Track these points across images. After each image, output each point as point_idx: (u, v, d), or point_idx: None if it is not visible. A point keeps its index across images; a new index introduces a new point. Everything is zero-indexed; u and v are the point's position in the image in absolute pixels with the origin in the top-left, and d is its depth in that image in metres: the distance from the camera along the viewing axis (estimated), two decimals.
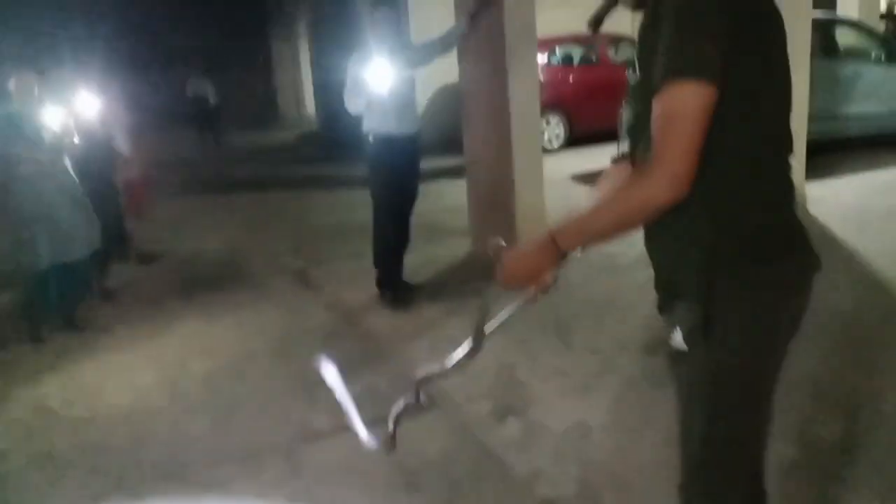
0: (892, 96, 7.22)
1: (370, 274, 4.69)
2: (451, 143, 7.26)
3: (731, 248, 1.37)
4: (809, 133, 5.64)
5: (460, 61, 5.25)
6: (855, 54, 7.63)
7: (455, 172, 6.72)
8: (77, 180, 4.54)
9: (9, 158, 4.26)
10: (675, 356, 1.49)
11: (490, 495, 2.59)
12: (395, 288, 4.51)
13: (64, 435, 3.32)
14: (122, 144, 5.52)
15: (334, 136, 12.90)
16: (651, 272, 1.54)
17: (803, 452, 2.61)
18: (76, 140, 4.57)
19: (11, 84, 4.38)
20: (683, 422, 1.53)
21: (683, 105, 1.27)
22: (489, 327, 1.62)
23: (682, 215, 1.35)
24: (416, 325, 4.23)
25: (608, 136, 8.71)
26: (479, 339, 1.62)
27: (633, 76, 1.54)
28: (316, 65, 14.62)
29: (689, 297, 1.42)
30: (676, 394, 1.55)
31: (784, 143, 1.44)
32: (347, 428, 3.05)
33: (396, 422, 1.79)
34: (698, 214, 1.36)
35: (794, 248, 1.42)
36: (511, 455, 2.82)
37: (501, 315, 1.64)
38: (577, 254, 1.48)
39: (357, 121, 4.41)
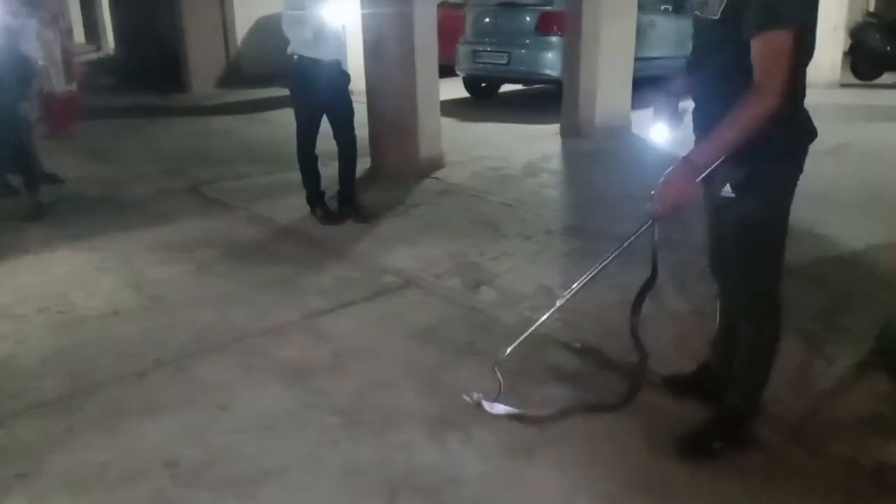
0: (678, 42, 8.71)
1: (266, 192, 4.94)
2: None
3: (774, 132, 2.00)
4: None
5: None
6: (650, 7, 8.95)
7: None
8: None
9: None
10: (723, 203, 2.18)
11: (498, 338, 3.25)
12: (325, 204, 4.87)
13: (58, 333, 3.39)
14: (35, 55, 5.16)
15: (140, 65, 12.30)
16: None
17: None
18: None
19: None
20: (729, 251, 2.25)
21: (782, 46, 1.89)
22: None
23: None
24: (350, 232, 4.68)
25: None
26: (654, 268, 2.29)
27: (701, 17, 2.12)
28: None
29: (740, 161, 2.04)
30: (718, 231, 2.31)
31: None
32: (348, 305, 3.58)
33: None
34: None
35: (806, 131, 2.13)
36: (498, 312, 3.51)
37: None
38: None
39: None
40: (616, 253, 2.43)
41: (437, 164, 5.71)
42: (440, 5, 11.39)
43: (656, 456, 2.41)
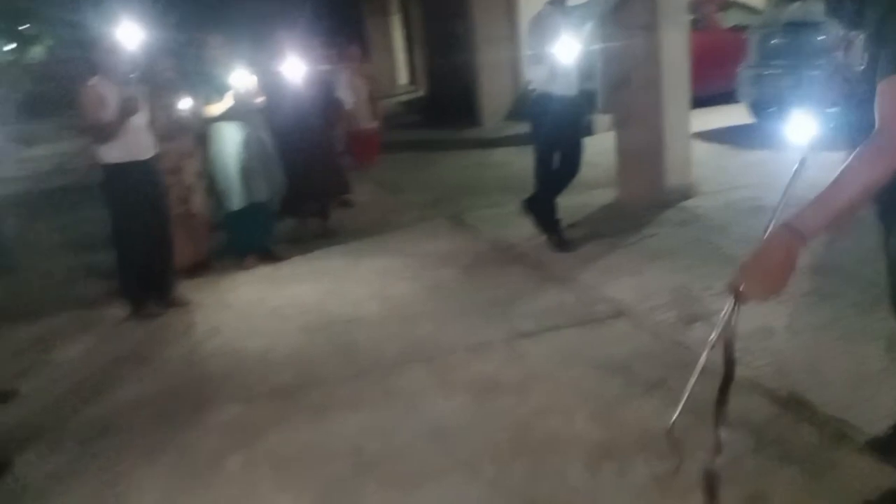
0: None
1: (514, 219, 5.21)
2: None
3: None
4: None
5: (605, 24, 5.72)
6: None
7: None
8: (266, 134, 5.23)
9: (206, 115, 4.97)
10: None
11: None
12: (559, 231, 5.01)
13: (308, 334, 4.01)
14: (346, 98, 6.21)
15: (441, 102, 13.60)
16: None
17: None
18: (261, 100, 5.20)
19: (206, 47, 5.09)
20: None
21: None
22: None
23: None
24: (579, 258, 4.75)
25: (720, 98, 9.07)
26: (730, 361, 1.78)
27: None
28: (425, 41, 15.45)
29: None
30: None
31: None
32: (552, 330, 3.68)
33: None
34: None
35: None
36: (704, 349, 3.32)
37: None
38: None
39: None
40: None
41: (686, 193, 5.50)
42: (723, 29, 10.98)
43: None
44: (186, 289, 4.75)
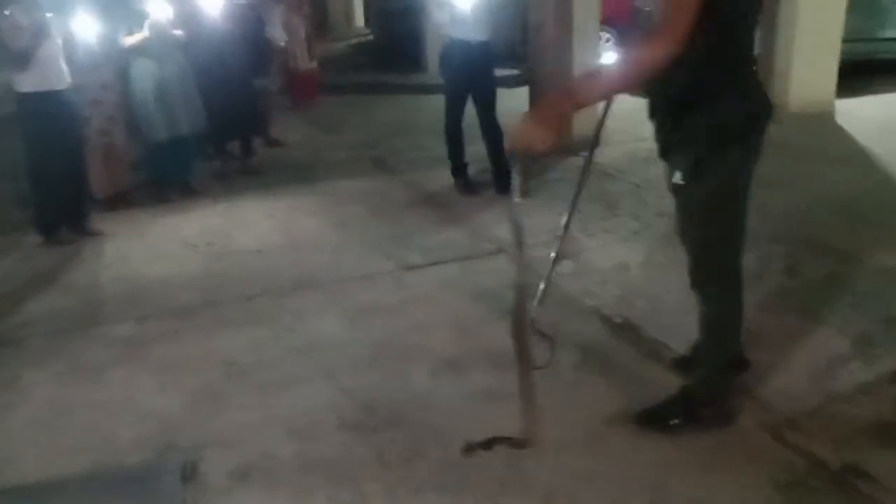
0: None
1: (434, 163, 5.44)
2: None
3: (717, 121, 2.04)
4: (843, 53, 6.23)
5: None
6: None
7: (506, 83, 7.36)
8: (184, 68, 5.34)
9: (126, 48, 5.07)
10: (676, 189, 2.22)
11: (550, 305, 3.43)
12: (466, 176, 5.27)
13: (211, 261, 4.24)
14: (278, 36, 6.25)
15: (389, 47, 13.59)
16: None
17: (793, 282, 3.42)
18: (179, 33, 5.31)
19: None
20: (685, 232, 2.29)
21: None
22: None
23: (683, 92, 2.02)
24: (483, 202, 5.05)
25: None
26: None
27: None
28: None
29: (686, 150, 2.10)
30: (677, 213, 2.31)
31: (751, 43, 2.09)
32: (437, 264, 3.97)
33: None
34: (693, 95, 2.02)
35: (756, 110, 2.09)
36: (565, 282, 3.66)
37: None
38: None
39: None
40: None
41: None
42: None
43: (616, 421, 2.50)
44: (104, 220, 4.92)
